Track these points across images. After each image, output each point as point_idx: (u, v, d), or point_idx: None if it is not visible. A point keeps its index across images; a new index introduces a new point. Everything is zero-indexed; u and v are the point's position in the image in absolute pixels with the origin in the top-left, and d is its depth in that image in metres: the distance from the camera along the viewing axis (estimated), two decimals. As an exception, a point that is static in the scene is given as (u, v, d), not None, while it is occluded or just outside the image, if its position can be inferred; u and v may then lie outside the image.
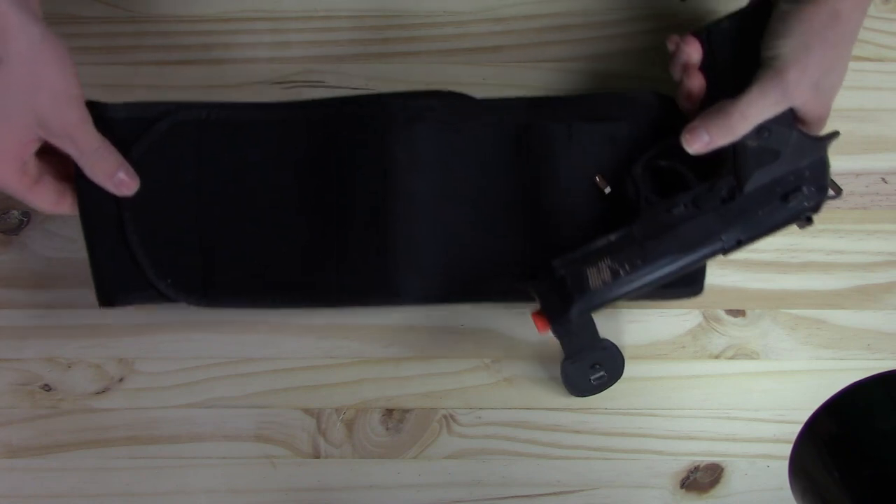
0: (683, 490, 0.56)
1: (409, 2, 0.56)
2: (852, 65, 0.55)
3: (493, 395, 0.56)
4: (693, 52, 0.50)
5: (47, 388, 0.56)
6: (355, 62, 0.56)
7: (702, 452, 0.56)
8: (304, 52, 0.56)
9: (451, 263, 0.53)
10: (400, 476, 0.56)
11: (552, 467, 0.56)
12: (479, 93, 0.56)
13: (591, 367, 0.53)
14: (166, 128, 0.52)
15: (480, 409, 0.56)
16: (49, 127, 0.46)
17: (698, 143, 0.48)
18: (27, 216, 0.56)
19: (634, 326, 0.56)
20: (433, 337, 0.56)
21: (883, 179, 0.56)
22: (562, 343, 0.51)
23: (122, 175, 0.50)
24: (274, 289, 0.53)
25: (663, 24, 0.56)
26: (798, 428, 0.37)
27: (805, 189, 0.49)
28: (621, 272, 0.49)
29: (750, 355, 0.56)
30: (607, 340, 0.52)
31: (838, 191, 0.51)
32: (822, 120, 0.49)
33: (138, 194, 0.52)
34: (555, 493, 0.56)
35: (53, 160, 0.49)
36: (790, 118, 0.48)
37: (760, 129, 0.48)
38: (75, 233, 0.55)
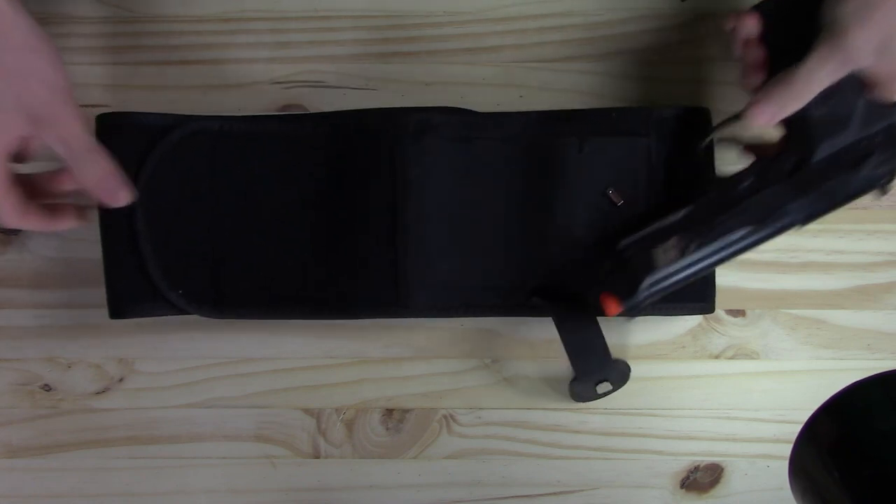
0: (683, 490, 0.56)
1: (409, 2, 0.56)
2: (852, 65, 0.55)
3: (493, 395, 0.56)
4: (751, 25, 0.48)
5: (47, 388, 0.56)
6: (355, 62, 0.56)
7: (702, 452, 0.56)
8: (304, 52, 0.56)
9: (462, 277, 0.53)
10: (400, 476, 0.56)
11: (552, 467, 0.56)
12: (479, 93, 0.56)
13: (598, 382, 0.53)
14: (179, 139, 0.52)
15: (480, 409, 0.56)
16: (40, 120, 0.44)
17: (763, 115, 0.46)
18: (27, 216, 0.56)
19: (634, 326, 0.56)
20: (433, 337, 0.56)
21: (883, 179, 0.56)
22: (570, 355, 0.51)
23: (112, 182, 0.48)
24: (284, 301, 0.53)
25: (663, 24, 0.56)
26: (798, 428, 0.37)
27: (878, 155, 0.46)
28: (689, 249, 0.48)
29: (750, 355, 0.56)
30: (619, 360, 0.52)
31: None
32: (894, 81, 0.45)
33: (151, 205, 0.52)
34: (555, 493, 0.56)
35: (20, 178, 0.47)
36: (857, 83, 0.45)
37: (825, 97, 0.45)
38: (75, 233, 0.55)
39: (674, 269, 0.49)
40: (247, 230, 0.53)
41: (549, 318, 0.51)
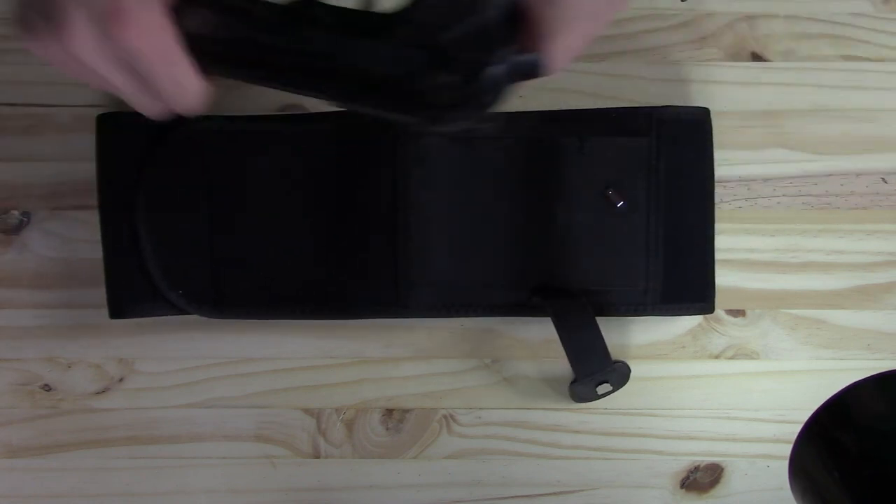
0: (683, 490, 0.56)
1: (409, 2, 0.56)
2: (852, 65, 0.56)
3: (493, 395, 0.56)
4: None
5: (47, 388, 0.56)
6: (355, 62, 0.56)
7: (702, 452, 0.56)
8: (304, 52, 0.56)
9: (462, 277, 0.53)
10: (400, 476, 0.56)
11: (552, 467, 0.56)
12: (479, 93, 0.56)
13: (599, 383, 0.53)
14: (179, 139, 0.52)
15: (480, 409, 0.56)
16: None
17: None
18: (27, 216, 0.56)
19: (635, 326, 0.56)
20: (433, 337, 0.56)
21: (883, 179, 0.56)
22: (570, 357, 0.51)
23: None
24: (284, 301, 0.53)
25: (663, 24, 0.56)
26: (798, 428, 0.37)
27: (447, 75, 0.35)
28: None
29: (750, 355, 0.56)
30: (619, 361, 0.52)
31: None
32: None
33: (151, 205, 0.52)
34: (555, 493, 0.56)
35: None
36: None
37: None
38: (75, 233, 0.55)
39: None
40: (247, 230, 0.53)
41: (549, 318, 0.51)
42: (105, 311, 0.53)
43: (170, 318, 0.54)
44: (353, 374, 0.56)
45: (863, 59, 0.56)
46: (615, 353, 0.55)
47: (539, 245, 0.53)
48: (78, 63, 0.34)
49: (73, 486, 0.56)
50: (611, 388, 0.53)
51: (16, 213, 0.56)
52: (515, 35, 0.35)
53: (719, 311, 0.55)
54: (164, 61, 0.34)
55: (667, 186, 0.52)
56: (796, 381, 0.55)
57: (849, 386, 0.35)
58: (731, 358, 0.56)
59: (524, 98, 0.56)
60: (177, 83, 0.35)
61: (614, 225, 0.52)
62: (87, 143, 0.54)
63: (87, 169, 0.54)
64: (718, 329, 0.56)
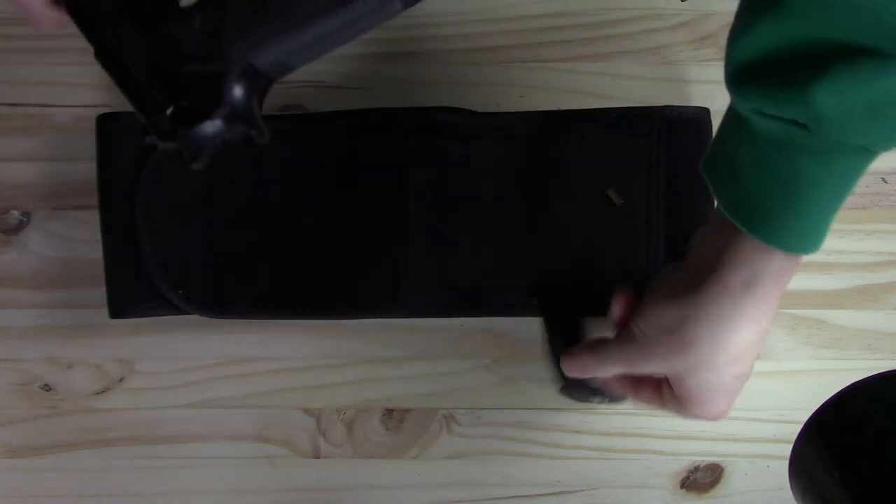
0: (683, 490, 0.56)
1: (409, 2, 0.56)
2: (852, 65, 0.55)
3: (493, 395, 0.56)
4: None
5: (47, 388, 0.56)
6: (355, 62, 0.56)
7: (702, 452, 0.56)
8: (304, 52, 0.56)
9: (462, 277, 0.53)
10: (400, 476, 0.56)
11: (552, 467, 0.56)
12: (479, 93, 0.56)
13: (590, 394, 0.53)
14: None
15: (480, 409, 0.56)
16: None
17: (572, 370, 0.47)
18: (27, 216, 0.56)
19: (634, 326, 0.56)
20: (433, 337, 0.56)
21: (883, 179, 0.56)
22: (554, 365, 0.50)
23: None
24: (284, 301, 0.53)
25: (663, 24, 0.56)
26: (798, 428, 0.37)
27: (167, 99, 0.36)
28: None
29: (750, 355, 0.56)
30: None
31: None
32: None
33: (151, 205, 0.52)
34: (555, 493, 0.56)
35: None
36: None
37: None
38: (75, 233, 0.55)
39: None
40: (247, 230, 0.53)
41: (549, 318, 0.51)
42: (105, 311, 0.53)
43: (170, 318, 0.54)
44: (353, 374, 0.56)
45: (863, 59, 0.56)
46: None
47: (539, 245, 0.53)
48: None
49: (73, 486, 0.56)
50: (605, 398, 0.53)
51: (16, 213, 0.56)
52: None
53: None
54: None
55: (666, 186, 0.52)
56: (796, 381, 0.55)
57: (849, 386, 0.35)
58: (731, 358, 0.56)
59: (524, 98, 0.56)
60: (29, 9, 0.37)
61: (614, 224, 0.52)
62: (87, 143, 0.54)
63: (87, 169, 0.54)
64: (718, 329, 0.56)
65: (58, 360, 0.56)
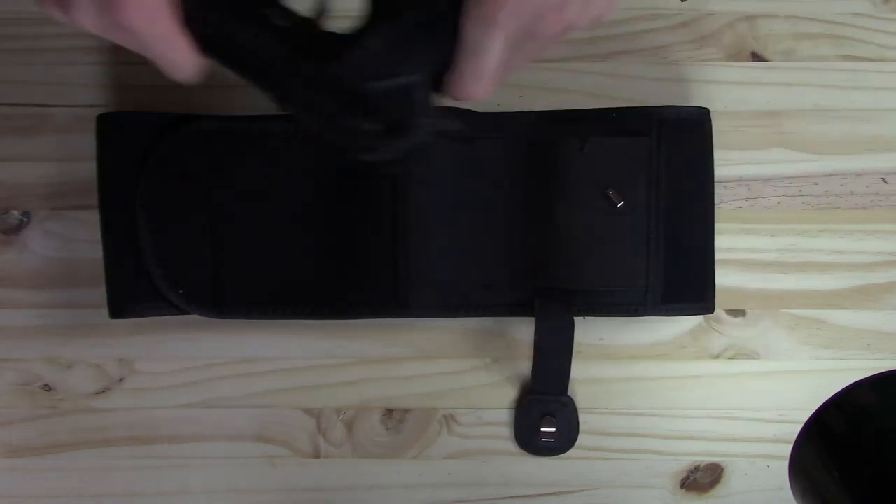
0: (683, 490, 0.56)
1: (409, 2, 0.56)
2: (852, 65, 0.56)
3: (493, 395, 0.56)
4: None
5: (47, 388, 0.56)
6: (355, 62, 0.56)
7: (702, 452, 0.56)
8: (304, 52, 0.56)
9: (462, 277, 0.53)
10: (400, 476, 0.56)
11: (552, 467, 0.56)
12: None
13: (541, 417, 0.53)
14: (179, 139, 0.52)
15: (480, 409, 0.56)
16: None
17: None
18: (27, 216, 0.56)
19: (634, 326, 0.56)
20: (433, 337, 0.56)
21: (883, 179, 0.56)
22: (536, 366, 0.51)
23: None
24: (284, 301, 0.53)
25: (663, 24, 0.56)
26: (798, 428, 0.37)
27: (366, 120, 0.38)
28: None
29: (750, 355, 0.56)
30: (569, 399, 0.53)
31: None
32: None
33: (151, 205, 0.52)
34: (555, 493, 0.56)
35: None
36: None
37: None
38: (75, 233, 0.55)
39: None
40: (247, 230, 0.53)
41: (549, 318, 0.51)
42: (105, 311, 0.53)
43: (170, 318, 0.54)
44: (354, 374, 0.56)
45: (863, 59, 0.56)
46: (616, 353, 0.55)
47: (539, 245, 0.53)
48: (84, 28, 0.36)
49: (73, 486, 0.56)
50: (554, 429, 0.54)
51: (16, 213, 0.56)
52: (437, 92, 0.39)
53: (719, 311, 0.55)
54: (158, 39, 0.36)
55: (667, 186, 0.52)
56: (796, 381, 0.55)
57: (849, 386, 0.35)
58: (731, 358, 0.56)
59: (524, 98, 0.56)
60: (170, 59, 0.37)
61: (614, 225, 0.52)
62: (87, 143, 0.54)
63: (87, 169, 0.54)
64: (718, 329, 0.56)
65: (58, 360, 0.56)
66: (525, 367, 0.56)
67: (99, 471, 0.56)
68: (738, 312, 0.56)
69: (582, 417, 0.55)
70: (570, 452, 0.55)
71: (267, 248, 0.53)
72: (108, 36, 0.36)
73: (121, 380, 0.56)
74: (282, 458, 0.56)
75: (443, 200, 0.53)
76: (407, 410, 0.56)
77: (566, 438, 0.55)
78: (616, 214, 0.52)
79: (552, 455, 0.55)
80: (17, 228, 0.56)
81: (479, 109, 0.54)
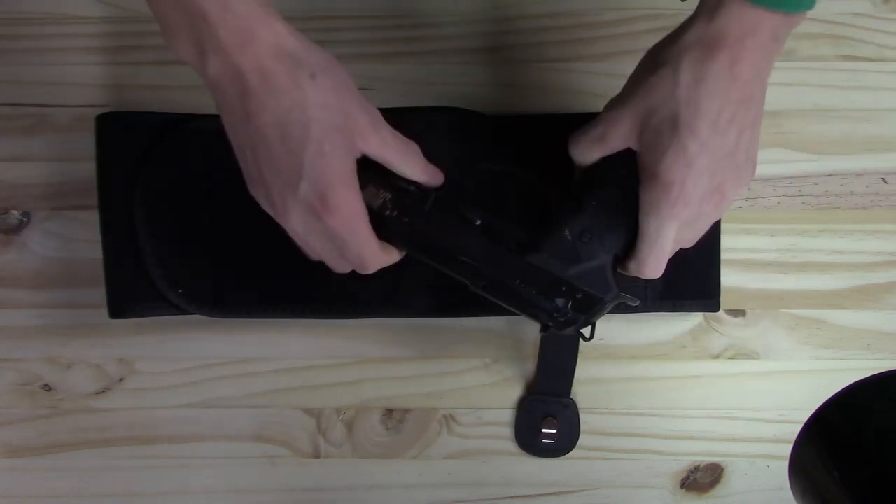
0: (683, 490, 0.56)
1: (410, 2, 0.56)
2: (852, 65, 0.56)
3: (493, 395, 0.56)
4: None
5: (47, 388, 0.56)
6: (355, 62, 0.56)
7: (702, 452, 0.56)
8: (304, 52, 0.56)
9: None
10: (400, 476, 0.56)
11: (552, 467, 0.56)
12: (479, 93, 0.56)
13: (542, 418, 0.53)
14: (178, 138, 0.52)
15: (480, 409, 0.56)
16: (365, 135, 0.42)
17: (572, 148, 0.46)
18: (27, 216, 0.56)
19: (634, 326, 0.56)
20: (433, 337, 0.56)
21: (883, 179, 0.56)
22: (540, 367, 0.52)
23: (427, 162, 0.46)
24: (284, 301, 0.53)
25: (663, 24, 0.56)
26: (798, 428, 0.37)
27: (563, 301, 0.44)
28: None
29: (750, 355, 0.56)
30: (571, 401, 0.54)
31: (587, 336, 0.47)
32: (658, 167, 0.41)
33: (151, 205, 0.52)
34: (555, 493, 0.56)
35: None
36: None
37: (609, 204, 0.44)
38: (75, 233, 0.55)
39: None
40: (246, 230, 0.53)
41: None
42: (105, 311, 0.53)
43: (170, 318, 0.54)
44: (354, 374, 0.56)
45: (863, 59, 0.56)
46: (616, 353, 0.55)
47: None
48: (294, 233, 0.44)
49: (73, 486, 0.56)
50: (555, 430, 0.54)
51: (16, 213, 0.56)
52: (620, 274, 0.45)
53: (719, 311, 0.55)
54: (354, 238, 0.43)
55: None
56: (796, 381, 0.55)
57: (849, 386, 0.35)
58: (731, 358, 0.56)
59: (524, 98, 0.56)
60: (361, 254, 0.44)
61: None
62: (87, 143, 0.54)
63: (87, 169, 0.54)
64: (718, 329, 0.56)
65: (58, 360, 0.56)
66: (525, 366, 0.56)
67: (99, 471, 0.56)
68: (738, 312, 0.56)
69: (582, 417, 0.55)
70: (570, 452, 0.55)
71: (266, 248, 0.53)
72: (313, 239, 0.43)
73: (121, 380, 0.56)
74: (282, 458, 0.56)
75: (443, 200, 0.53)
76: (407, 410, 0.56)
77: (567, 440, 0.55)
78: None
79: (552, 457, 0.55)
80: (17, 228, 0.56)
81: (479, 109, 0.54)
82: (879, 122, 0.56)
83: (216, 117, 0.53)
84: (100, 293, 0.53)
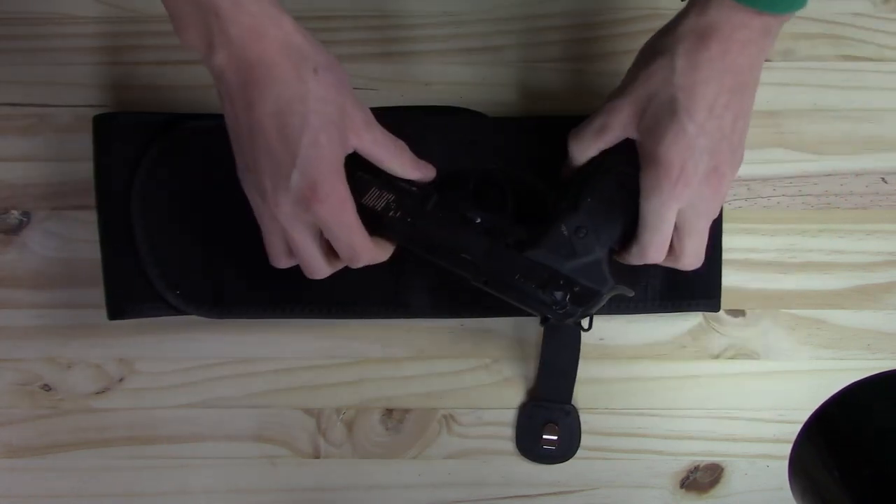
0: (683, 490, 0.56)
1: (409, 2, 0.56)
2: (852, 65, 0.56)
3: (493, 395, 0.56)
4: None
5: (47, 388, 0.56)
6: (355, 62, 0.56)
7: (702, 452, 0.56)
8: (304, 52, 0.56)
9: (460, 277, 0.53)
10: (400, 476, 0.56)
11: (552, 467, 0.56)
12: (479, 93, 0.56)
13: (543, 424, 0.54)
14: (176, 138, 0.52)
15: (480, 409, 0.56)
16: (359, 131, 0.43)
17: (570, 147, 0.48)
18: (27, 216, 0.56)
19: (634, 326, 0.56)
20: (433, 337, 0.56)
21: (883, 179, 0.56)
22: (541, 369, 0.53)
23: (416, 159, 0.48)
24: (284, 301, 0.53)
25: (663, 24, 0.56)
26: (798, 428, 0.37)
27: (561, 294, 0.46)
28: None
29: (750, 355, 0.56)
30: (573, 408, 0.54)
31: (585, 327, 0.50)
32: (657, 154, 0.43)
33: (149, 205, 0.52)
34: (555, 493, 0.56)
35: None
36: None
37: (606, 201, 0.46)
38: (75, 233, 0.55)
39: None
40: (245, 230, 0.53)
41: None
42: (105, 311, 0.53)
43: (170, 318, 0.54)
44: (353, 374, 0.56)
45: (863, 59, 0.56)
46: (616, 353, 0.55)
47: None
48: (278, 225, 0.44)
49: (73, 486, 0.56)
50: (556, 437, 0.54)
51: (16, 213, 0.56)
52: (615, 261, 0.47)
53: (719, 311, 0.55)
54: (343, 226, 0.44)
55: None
56: (796, 381, 0.55)
57: (849, 386, 0.35)
58: (731, 358, 0.56)
59: (524, 98, 0.56)
60: (352, 243, 0.45)
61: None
62: (87, 143, 0.54)
63: (87, 169, 0.54)
64: (718, 329, 0.56)
65: (58, 360, 0.56)
66: (526, 366, 0.56)
67: (99, 471, 0.56)
68: (738, 312, 0.56)
69: (582, 417, 0.55)
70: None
71: (263, 248, 0.53)
72: (305, 227, 0.44)
73: (121, 380, 0.56)
74: (282, 458, 0.56)
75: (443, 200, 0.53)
76: (407, 410, 0.56)
77: (567, 447, 0.55)
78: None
79: (553, 463, 0.55)
80: (17, 228, 0.56)
81: (479, 109, 0.54)
82: (879, 122, 0.56)
83: (214, 117, 0.53)
84: (100, 293, 0.53)
